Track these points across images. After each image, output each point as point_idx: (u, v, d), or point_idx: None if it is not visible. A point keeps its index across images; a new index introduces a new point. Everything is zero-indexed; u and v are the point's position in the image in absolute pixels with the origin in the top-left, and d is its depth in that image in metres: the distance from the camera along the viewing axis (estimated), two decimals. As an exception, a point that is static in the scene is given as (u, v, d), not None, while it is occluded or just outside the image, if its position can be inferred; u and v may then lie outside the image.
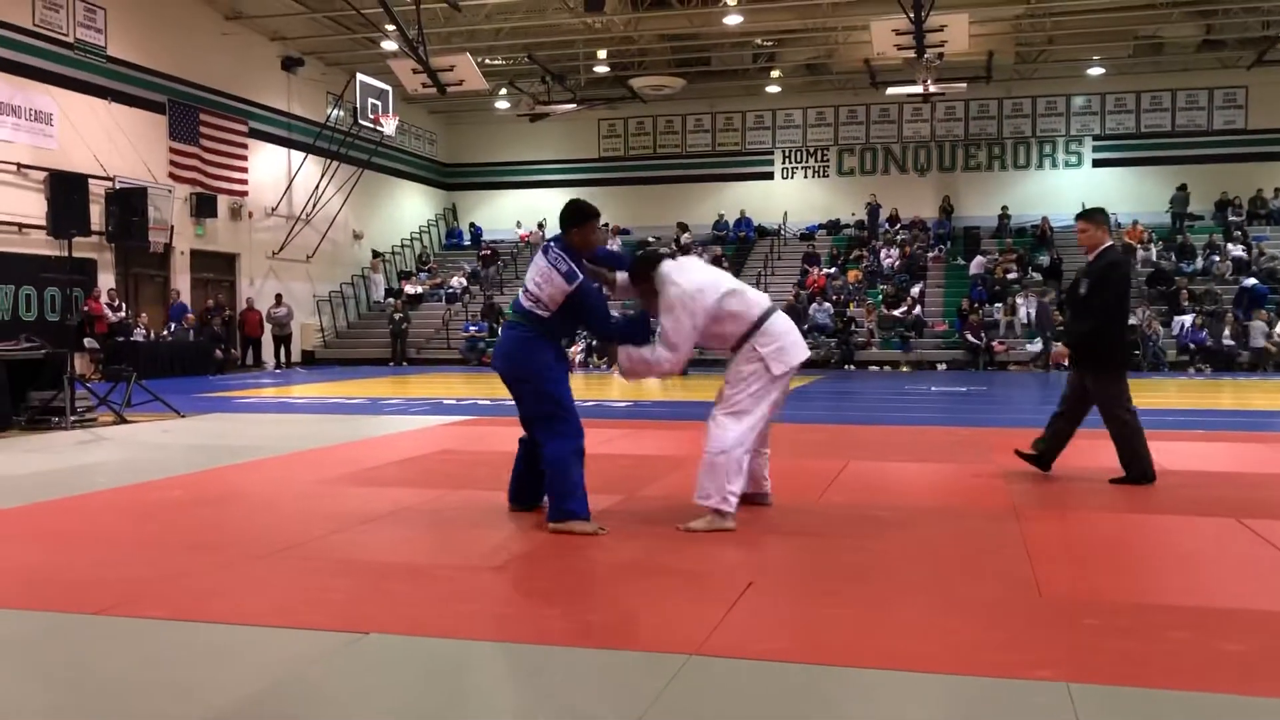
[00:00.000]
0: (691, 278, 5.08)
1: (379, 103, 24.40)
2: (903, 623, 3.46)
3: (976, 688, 2.89)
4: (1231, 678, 2.93)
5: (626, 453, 7.87)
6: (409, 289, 27.93)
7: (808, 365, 6.55)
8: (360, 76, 24.01)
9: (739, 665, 3.02)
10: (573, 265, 4.94)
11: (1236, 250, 24.48)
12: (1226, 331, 21.13)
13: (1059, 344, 6.83)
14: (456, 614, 3.57)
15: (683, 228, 28.74)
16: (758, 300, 5.15)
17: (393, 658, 3.13)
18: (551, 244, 5.11)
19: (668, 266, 5.16)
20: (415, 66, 21.59)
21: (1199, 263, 24.47)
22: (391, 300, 27.13)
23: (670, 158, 30.88)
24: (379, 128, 24.54)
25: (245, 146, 23.46)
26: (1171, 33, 24.41)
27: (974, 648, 3.20)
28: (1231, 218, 26.04)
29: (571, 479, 4.85)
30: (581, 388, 17.04)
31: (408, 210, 30.91)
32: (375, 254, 28.62)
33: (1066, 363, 6.62)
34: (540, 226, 30.45)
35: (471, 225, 31.96)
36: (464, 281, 28.29)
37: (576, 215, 5.10)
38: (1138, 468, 6.19)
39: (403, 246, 30.42)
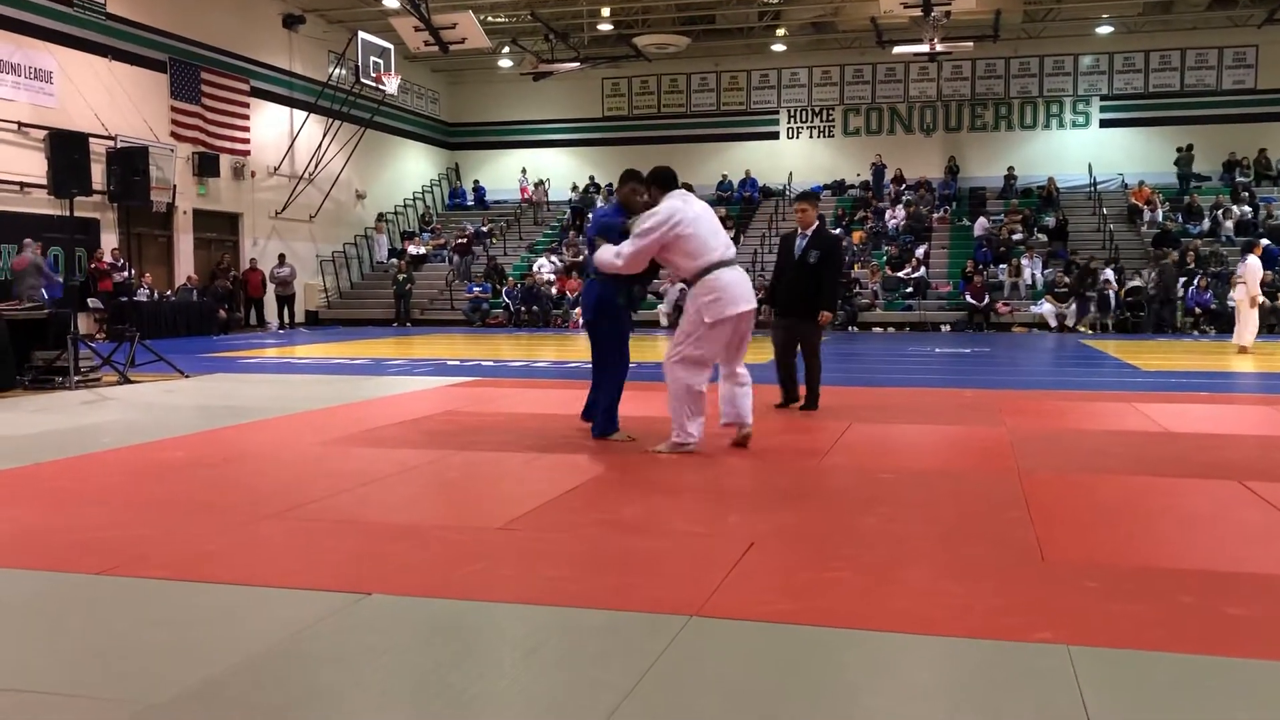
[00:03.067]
0: (671, 205, 5.94)
1: (381, 61, 24.23)
2: (904, 585, 3.46)
3: (978, 650, 2.89)
4: (1236, 642, 2.93)
5: (628, 414, 7.85)
6: (412, 249, 27.85)
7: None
8: (362, 34, 23.81)
9: (740, 626, 3.03)
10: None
11: (1242, 210, 24.32)
12: (1232, 294, 20.99)
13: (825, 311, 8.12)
14: (459, 575, 3.57)
15: (688, 188, 28.44)
16: (711, 252, 5.87)
17: (394, 618, 3.13)
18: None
19: (677, 193, 6.10)
20: (417, 24, 21.43)
21: (1205, 224, 24.32)
22: (395, 260, 27.07)
23: (674, 117, 30.67)
24: (381, 86, 24.37)
25: (247, 105, 23.31)
26: (1182, -10, 24.14)
27: (976, 611, 3.19)
28: (1239, 178, 25.85)
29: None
30: (584, 349, 17.00)
31: (410, 170, 30.77)
32: (380, 217, 28.51)
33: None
34: (540, 185, 30.30)
35: (475, 185, 31.83)
36: (466, 242, 28.21)
37: (622, 176, 6.63)
38: (816, 398, 8.05)
39: (405, 206, 30.31)
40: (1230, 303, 16.88)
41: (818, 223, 8.23)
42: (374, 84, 24.12)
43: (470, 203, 31.70)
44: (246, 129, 23.32)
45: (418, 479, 5.38)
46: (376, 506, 4.68)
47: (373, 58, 23.94)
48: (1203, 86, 27.18)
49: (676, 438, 5.98)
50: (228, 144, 22.77)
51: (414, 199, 30.75)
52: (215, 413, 8.06)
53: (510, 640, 3.01)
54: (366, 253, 28.12)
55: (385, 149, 29.05)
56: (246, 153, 23.37)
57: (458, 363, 13.44)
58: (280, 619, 3.11)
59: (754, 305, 6.02)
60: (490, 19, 24.59)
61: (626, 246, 5.93)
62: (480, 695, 2.57)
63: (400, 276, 25.01)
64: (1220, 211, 24.38)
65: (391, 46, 24.29)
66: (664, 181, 6.16)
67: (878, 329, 22.52)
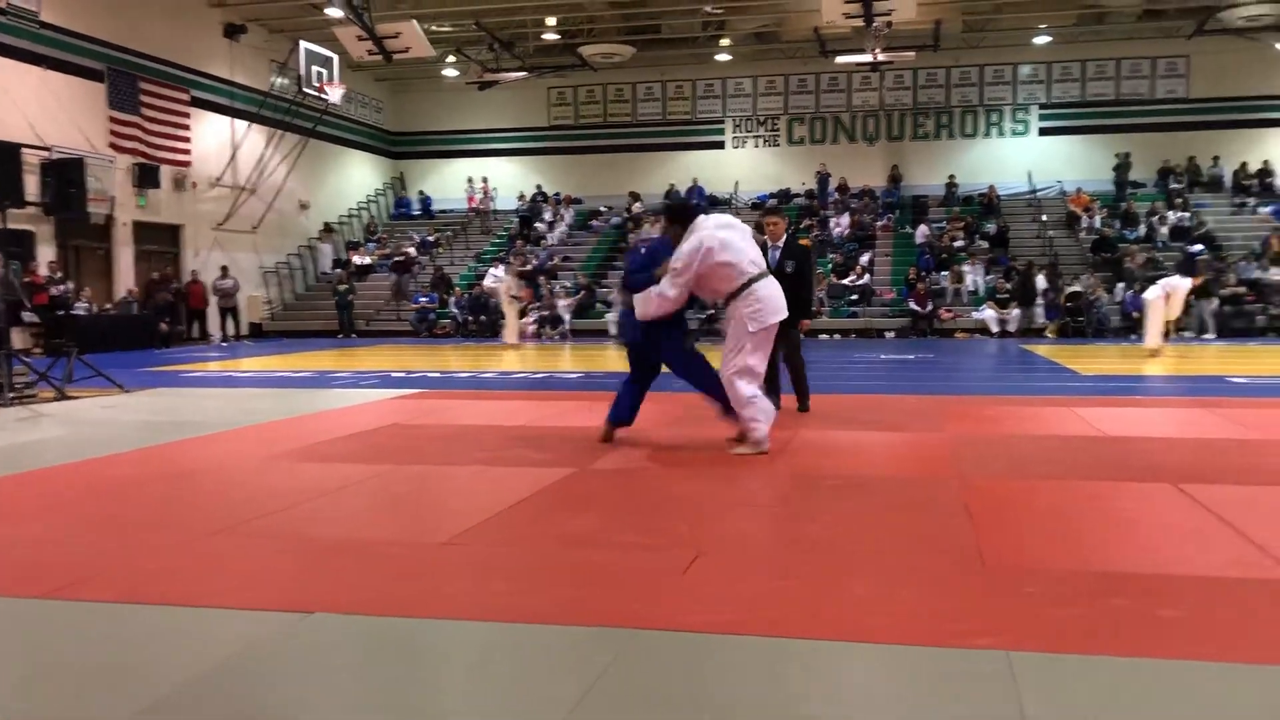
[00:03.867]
0: (710, 230, 6.16)
1: (324, 70, 24.03)
2: (848, 594, 3.50)
3: (920, 657, 2.93)
4: (1168, 643, 3.00)
5: (579, 424, 7.87)
6: (357, 259, 27.62)
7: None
8: (304, 44, 23.59)
9: (686, 638, 3.05)
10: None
11: (1178, 216, 24.89)
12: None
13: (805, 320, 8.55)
14: (403, 592, 3.55)
15: (634, 197, 28.67)
16: (746, 270, 6.14)
17: (337, 637, 3.11)
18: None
19: (701, 219, 6.29)
20: (360, 34, 21.29)
21: (1142, 230, 24.85)
22: (338, 271, 26.82)
23: (621, 126, 30.73)
24: (324, 96, 24.17)
25: (188, 115, 23.00)
26: (1114, 1, 24.65)
27: (918, 618, 3.24)
28: (1173, 185, 26.45)
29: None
30: (534, 359, 17.00)
31: (355, 179, 30.53)
32: (327, 227, 28.23)
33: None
34: (486, 194, 30.19)
35: (420, 194, 31.65)
36: (413, 252, 28.03)
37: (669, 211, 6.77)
38: (808, 400, 8.37)
39: (350, 216, 30.05)
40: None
41: (786, 234, 8.59)
42: (317, 93, 23.90)
43: (416, 212, 31.51)
44: (187, 139, 23.00)
45: (363, 494, 5.34)
46: (321, 522, 4.64)
47: (315, 67, 23.73)
48: (1137, 95, 27.79)
49: (755, 436, 6.30)
50: (168, 155, 22.43)
51: (359, 209, 30.50)
52: (156, 428, 7.93)
53: (455, 657, 3.01)
54: (311, 264, 27.84)
55: (329, 158, 28.80)
56: (187, 163, 23.04)
57: (404, 374, 13.35)
58: (223, 640, 3.08)
59: (786, 314, 6.39)
60: (434, 28, 24.48)
61: (666, 288, 6.18)
62: (425, 714, 2.56)
63: (341, 287, 24.78)
64: (1156, 218, 24.93)
65: (335, 56, 24.10)
66: (678, 214, 6.46)
67: (824, 336, 22.70)
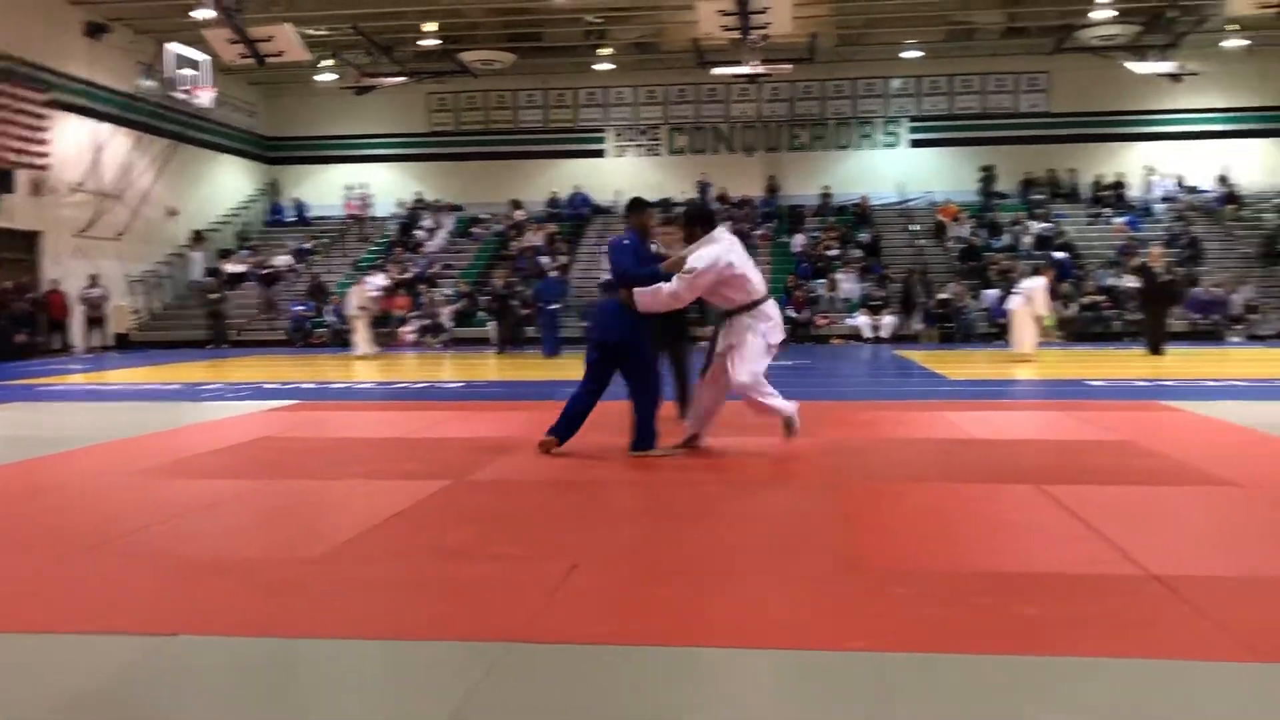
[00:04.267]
0: (728, 244, 6.52)
1: (194, 73, 23.23)
2: (724, 600, 3.54)
3: (793, 662, 2.98)
4: (1029, 640, 3.12)
5: (458, 435, 7.79)
6: (230, 268, 26.80)
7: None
8: (172, 46, 22.80)
9: (560, 651, 3.04)
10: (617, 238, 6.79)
11: (1037, 226, 25.94)
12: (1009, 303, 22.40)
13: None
14: (273, 610, 3.46)
15: (516, 204, 28.52)
16: (759, 286, 6.59)
17: (203, 660, 3.01)
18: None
19: (718, 231, 6.60)
20: (232, 36, 20.69)
21: (1006, 239, 25.81)
22: (210, 279, 25.99)
23: (502, 133, 30.55)
24: (194, 99, 23.39)
25: (45, 117, 21.96)
26: (980, 18, 25.56)
27: (793, 622, 3.30)
28: (1035, 196, 27.56)
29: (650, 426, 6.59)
30: (413, 368, 16.76)
31: (227, 185, 29.62)
32: (197, 235, 27.31)
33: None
34: (365, 201, 29.66)
35: (295, 201, 30.88)
36: (289, 259, 27.34)
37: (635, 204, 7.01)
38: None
39: (222, 223, 29.15)
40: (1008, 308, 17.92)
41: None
42: (186, 96, 23.13)
43: (291, 219, 30.74)
44: (45, 142, 21.97)
45: (233, 510, 5.18)
46: (188, 540, 4.49)
47: (184, 69, 22.93)
48: (1001, 109, 28.87)
49: (790, 416, 6.69)
50: (23, 158, 21.39)
51: (231, 216, 29.60)
52: (15, 443, 7.56)
53: (324, 678, 2.93)
54: (181, 272, 26.90)
55: (200, 164, 27.89)
56: (45, 167, 22.01)
57: (278, 386, 13.01)
58: (82, 667, 2.94)
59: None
60: (310, 31, 23.92)
61: (680, 287, 6.32)
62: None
63: (213, 296, 24.01)
64: (1019, 227, 25.93)
65: (205, 58, 23.35)
66: (701, 219, 6.70)
67: (704, 343, 22.92)
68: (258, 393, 11.91)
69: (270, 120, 31.11)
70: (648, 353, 6.73)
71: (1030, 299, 16.23)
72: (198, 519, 4.91)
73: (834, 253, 25.59)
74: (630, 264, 6.59)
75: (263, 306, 25.28)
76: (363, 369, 16.35)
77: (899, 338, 22.37)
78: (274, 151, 31.32)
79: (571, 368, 15.87)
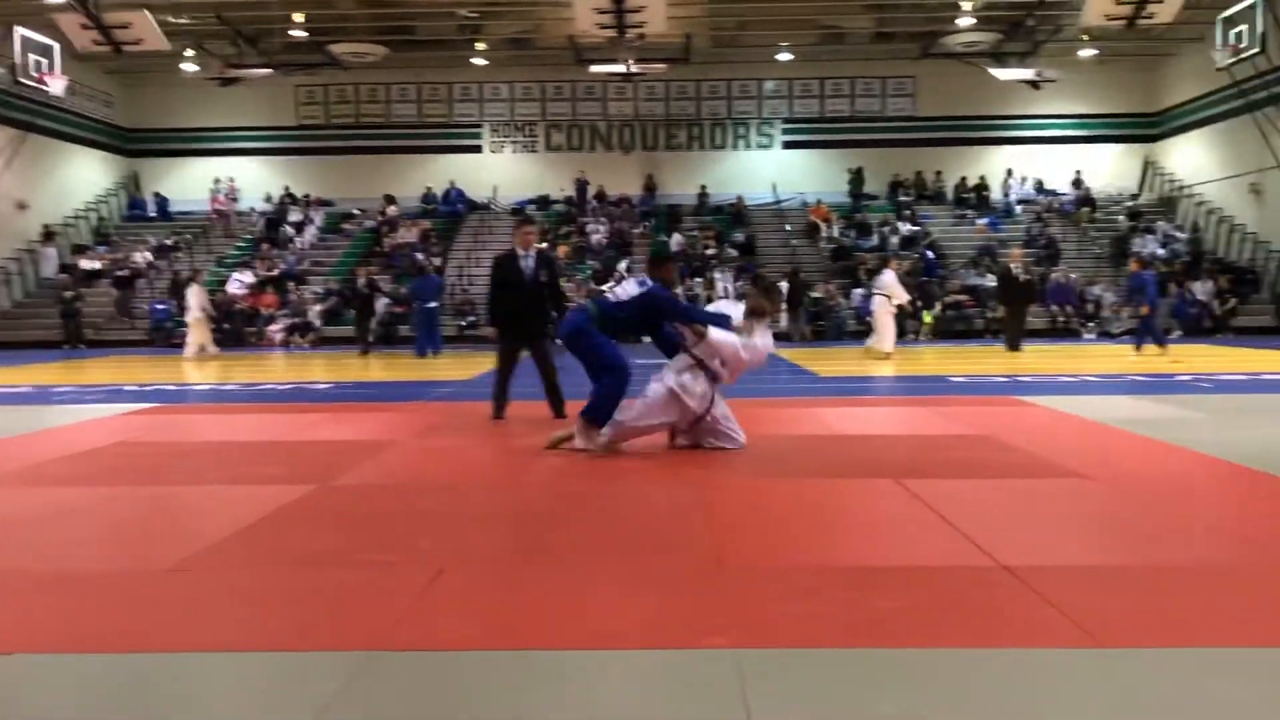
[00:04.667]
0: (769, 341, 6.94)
1: (43, 60, 22.14)
2: (592, 601, 3.54)
3: (656, 660, 3.00)
4: (885, 633, 3.20)
5: (324, 438, 7.61)
6: (85, 264, 25.65)
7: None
8: (19, 30, 21.66)
9: (424, 657, 2.99)
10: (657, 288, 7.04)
11: (905, 228, 26.71)
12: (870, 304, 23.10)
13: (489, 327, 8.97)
14: (121, 625, 3.32)
15: (389, 199, 28.04)
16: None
17: (36, 681, 2.86)
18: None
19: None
20: (85, 21, 19.80)
21: (875, 239, 26.50)
22: (64, 276, 24.83)
23: (374, 128, 29.97)
24: (44, 87, 22.29)
25: (-124, 103, 20.66)
26: (849, 23, 26.17)
27: (656, 621, 3.32)
28: (902, 198, 28.37)
29: (609, 405, 6.80)
30: (281, 369, 16.33)
31: (82, 178, 28.32)
32: (47, 230, 26.03)
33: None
34: (232, 195, 28.75)
35: (156, 195, 29.72)
36: (149, 256, 26.31)
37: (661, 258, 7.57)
38: (563, 406, 8.50)
39: (77, 218, 27.87)
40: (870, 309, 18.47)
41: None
42: (36, 84, 22.02)
43: (152, 214, 29.57)
44: (-122, 130, 20.67)
45: (81, 520, 4.95)
46: (29, 553, 4.27)
47: (33, 55, 21.84)
48: (870, 113, 29.63)
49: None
50: None
51: (87, 210, 28.33)
52: None
53: (171, 695, 2.82)
54: (31, 269, 25.63)
55: (52, 155, 26.60)
56: (-122, 156, 20.71)
57: (136, 388, 12.50)
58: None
59: None
60: (171, 19, 23.05)
61: (749, 356, 6.74)
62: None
63: (67, 294, 22.95)
64: (887, 229, 26.65)
65: (56, 44, 22.28)
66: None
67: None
68: (115, 395, 11.42)
69: (129, 111, 29.87)
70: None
71: (888, 293, 16.74)
72: (44, 529, 4.68)
73: (711, 252, 25.88)
74: (697, 311, 7.41)
75: (118, 309, 24.25)
76: (211, 370, 15.84)
77: (777, 335, 22.72)
78: (133, 143, 30.09)
79: (446, 367, 15.70)
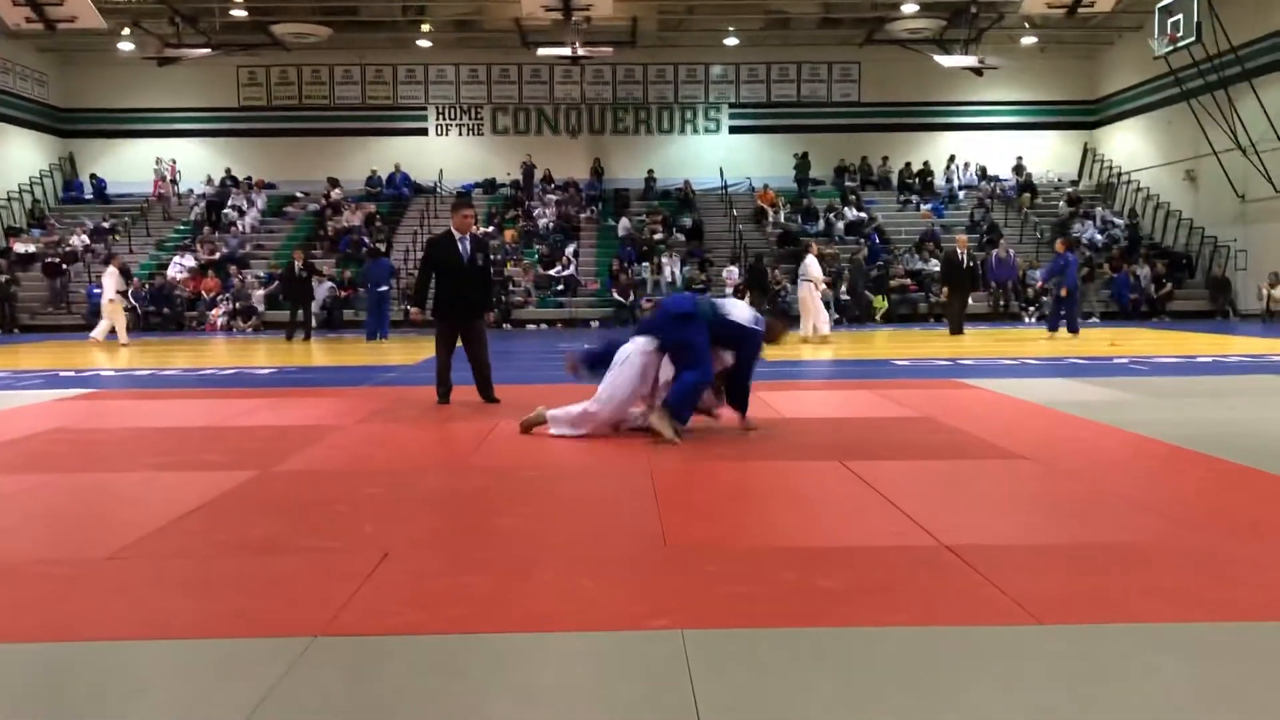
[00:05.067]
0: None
1: (-27, 37, 21.55)
2: (536, 584, 3.53)
3: (599, 642, 3.00)
4: (826, 613, 3.23)
5: (266, 424, 7.51)
6: (19, 247, 25.05)
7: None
8: (-53, 5, 21.06)
9: (366, 643, 2.97)
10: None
11: (852, 213, 26.92)
12: (844, 287, 23.27)
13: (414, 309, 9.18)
14: (56, 614, 3.25)
15: (333, 182, 27.69)
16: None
17: (-28, 671, 2.80)
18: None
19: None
20: (15, -2, 19.31)
21: (820, 224, 26.68)
22: (-1, 260, 24.26)
23: (318, 109, 29.57)
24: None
25: None
26: (795, 9, 26.28)
27: (600, 603, 3.32)
28: (848, 183, 28.58)
29: (691, 399, 6.59)
30: (222, 354, 16.09)
31: (15, 159, 27.62)
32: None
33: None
34: (173, 177, 28.22)
35: (93, 177, 29.07)
36: (86, 239, 25.75)
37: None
38: (491, 390, 8.54)
39: (10, 200, 27.19)
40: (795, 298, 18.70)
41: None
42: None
43: (89, 196, 28.93)
44: None
45: (14, 508, 4.84)
46: (-40, 543, 4.16)
47: (-38, 32, 21.25)
48: (816, 98, 29.79)
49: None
50: None
51: (20, 192, 27.64)
52: None
53: (104, 684, 2.76)
54: (-38, 252, 24.98)
55: (-18, 135, 25.93)
56: None
57: (73, 373, 12.25)
58: None
59: None
60: (106, -3, 22.55)
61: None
62: (70, 748, 2.35)
63: (1, 278, 22.40)
64: (833, 214, 26.84)
65: (-14, 21, 21.69)
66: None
67: (531, 326, 22.90)
68: (50, 381, 11.18)
69: (64, 90, 29.18)
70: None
71: (813, 280, 16.95)
72: (-26, 518, 4.57)
73: (658, 236, 25.89)
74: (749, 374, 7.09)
75: (51, 296, 23.70)
76: (177, 355, 15.57)
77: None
78: (68, 124, 29.41)
79: (391, 352, 15.56)
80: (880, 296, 23.29)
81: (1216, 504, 4.74)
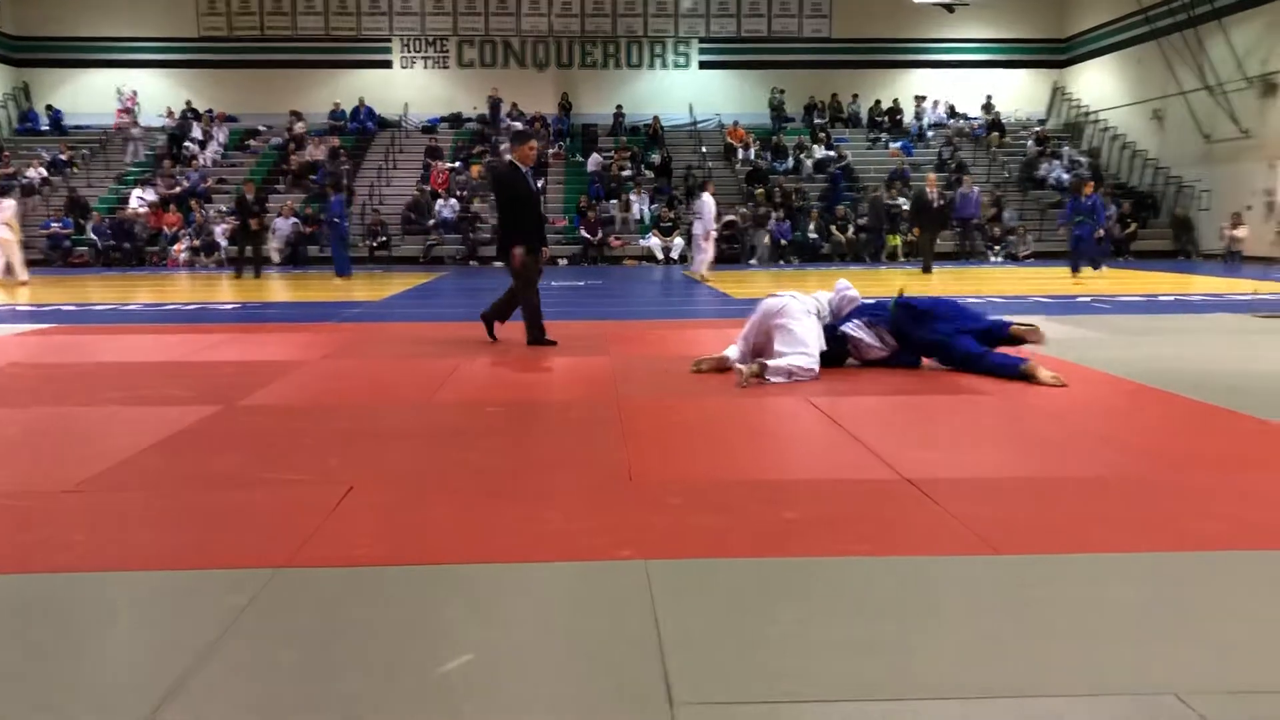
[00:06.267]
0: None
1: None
2: (501, 517, 3.54)
3: (565, 572, 3.03)
4: (789, 543, 3.27)
5: (230, 359, 7.45)
6: (-27, 180, 24.48)
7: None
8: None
9: (329, 574, 2.98)
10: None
11: (821, 151, 26.79)
12: (811, 226, 23.26)
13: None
14: (16, 546, 3.23)
15: (296, 115, 27.17)
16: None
17: (-68, 602, 2.79)
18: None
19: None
20: (-37, -80, 18.61)
21: (790, 162, 26.55)
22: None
23: (280, 40, 28.88)
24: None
25: None
26: (767, -59, 25.89)
27: (565, 535, 3.34)
28: (817, 120, 28.40)
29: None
30: (186, 290, 15.90)
31: (-34, 89, 26.89)
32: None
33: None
34: (128, 111, 27.57)
35: (49, 108, 28.36)
36: (43, 172, 25.20)
37: None
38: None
39: (-38, 131, 26.53)
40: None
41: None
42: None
43: (45, 128, 28.24)
44: None
45: (-27, 442, 4.79)
46: (-82, 477, 4.12)
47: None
48: (787, 34, 29.47)
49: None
50: None
51: (-27, 122, 26.96)
52: None
53: (67, 615, 2.76)
54: (-86, 184, 24.39)
55: (-68, 64, 25.19)
56: None
57: (32, 308, 12.07)
58: None
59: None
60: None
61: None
62: (32, 675, 2.35)
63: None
64: (802, 152, 26.71)
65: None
66: None
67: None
68: (8, 315, 11.01)
69: (18, 17, 28.31)
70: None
71: (701, 217, 17.06)
72: (-68, 452, 4.51)
73: (627, 173, 25.68)
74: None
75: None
76: (139, 289, 15.36)
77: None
78: (23, 52, 28.58)
79: (357, 289, 15.43)
80: (894, 235, 23.22)
81: (1172, 439, 4.83)
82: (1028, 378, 6.16)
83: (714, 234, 17.80)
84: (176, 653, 2.43)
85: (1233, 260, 21.07)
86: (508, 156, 8.46)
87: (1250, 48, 21.84)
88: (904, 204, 23.29)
